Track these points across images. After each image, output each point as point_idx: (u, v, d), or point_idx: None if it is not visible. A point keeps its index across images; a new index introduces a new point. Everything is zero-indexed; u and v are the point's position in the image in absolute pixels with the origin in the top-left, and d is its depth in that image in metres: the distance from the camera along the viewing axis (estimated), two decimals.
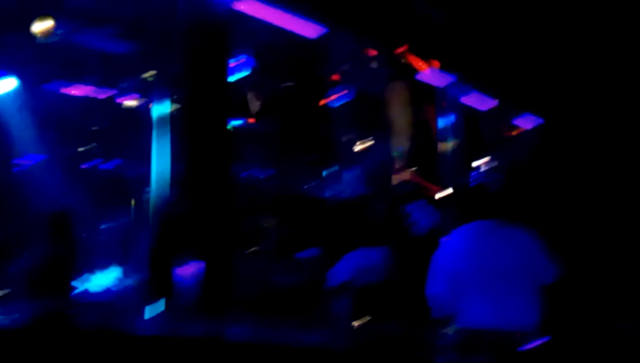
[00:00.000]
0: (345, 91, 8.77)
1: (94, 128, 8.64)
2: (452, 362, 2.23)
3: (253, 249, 6.32)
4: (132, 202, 8.14)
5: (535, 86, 8.35)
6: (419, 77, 8.19)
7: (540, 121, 9.29)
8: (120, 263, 6.40)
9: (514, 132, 9.62)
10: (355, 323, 3.99)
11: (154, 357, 2.46)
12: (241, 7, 5.68)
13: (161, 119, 8.15)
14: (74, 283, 5.31)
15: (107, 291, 5.63)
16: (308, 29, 6.61)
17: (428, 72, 8.13)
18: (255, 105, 8.80)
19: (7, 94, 7.59)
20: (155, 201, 6.18)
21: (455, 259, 3.55)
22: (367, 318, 4.10)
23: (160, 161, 7.88)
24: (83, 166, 8.94)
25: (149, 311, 3.17)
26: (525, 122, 9.70)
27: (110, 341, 2.59)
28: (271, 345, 2.45)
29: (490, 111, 8.97)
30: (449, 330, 3.25)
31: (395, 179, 8.01)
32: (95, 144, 8.96)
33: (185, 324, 2.94)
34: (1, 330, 2.56)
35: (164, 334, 2.65)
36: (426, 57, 7.99)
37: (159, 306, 3.24)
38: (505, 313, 3.29)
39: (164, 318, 3.09)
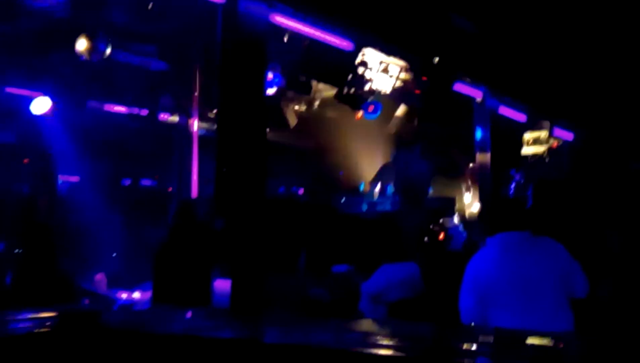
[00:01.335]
0: (379, 105, 8.76)
1: (132, 145, 8.78)
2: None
3: (288, 263, 6.32)
4: (170, 217, 8.24)
5: (572, 98, 8.22)
6: (455, 89, 8.14)
7: (577, 133, 9.13)
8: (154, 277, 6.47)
9: (553, 144, 9.48)
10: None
11: (188, 357, 2.47)
12: (277, 20, 5.73)
13: (198, 135, 8.28)
14: (110, 296, 5.41)
15: (142, 303, 5.70)
16: (343, 42, 6.63)
17: (464, 85, 8.07)
18: (292, 119, 8.84)
19: (45, 113, 7.74)
20: (194, 216, 6.23)
21: (486, 270, 3.51)
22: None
23: (197, 176, 7.99)
24: (122, 183, 9.11)
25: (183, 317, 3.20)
26: (564, 134, 9.55)
27: (143, 340, 2.60)
28: (309, 347, 2.43)
29: (529, 121, 8.85)
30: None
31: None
32: (133, 161, 9.11)
33: (220, 327, 2.95)
34: (26, 334, 2.58)
35: (199, 335, 2.65)
36: (461, 69, 7.93)
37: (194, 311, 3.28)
38: (536, 325, 3.23)
39: (199, 322, 3.11)
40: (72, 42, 6.78)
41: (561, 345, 2.47)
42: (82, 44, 6.82)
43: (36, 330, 2.55)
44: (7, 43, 6.59)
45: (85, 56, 6.87)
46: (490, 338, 2.83)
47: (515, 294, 3.37)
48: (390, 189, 9.11)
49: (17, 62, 7.04)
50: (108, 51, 6.93)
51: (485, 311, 3.42)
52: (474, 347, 2.54)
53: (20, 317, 2.76)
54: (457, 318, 3.60)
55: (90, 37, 6.81)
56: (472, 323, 3.46)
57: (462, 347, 2.52)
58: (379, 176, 9.61)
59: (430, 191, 8.86)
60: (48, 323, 2.67)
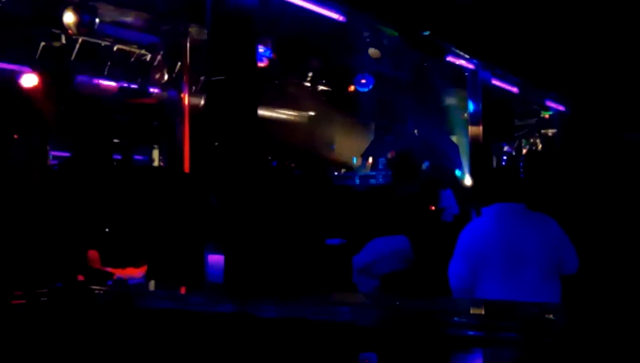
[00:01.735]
0: (372, 77, 8.72)
1: (123, 120, 8.73)
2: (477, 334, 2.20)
3: (282, 235, 6.34)
4: (162, 192, 8.22)
5: (564, 70, 8.20)
6: (448, 59, 8.09)
7: (569, 104, 9.13)
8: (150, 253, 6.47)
9: (545, 116, 9.49)
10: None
11: (182, 332, 2.47)
12: None
13: (190, 109, 8.23)
14: (104, 272, 5.39)
15: (135, 279, 5.70)
16: (333, 14, 6.57)
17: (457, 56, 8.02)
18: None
19: (34, 88, 7.64)
20: (186, 191, 6.22)
21: (479, 239, 3.53)
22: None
23: (190, 151, 7.96)
24: (114, 158, 9.05)
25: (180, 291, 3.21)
26: (556, 106, 9.55)
27: (137, 316, 2.60)
28: (302, 321, 2.44)
29: (521, 93, 8.84)
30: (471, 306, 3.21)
31: None
32: (125, 136, 9.07)
33: (214, 303, 2.96)
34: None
35: (193, 310, 2.65)
36: (455, 40, 7.87)
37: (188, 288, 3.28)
38: (523, 296, 3.25)
39: (194, 297, 3.11)
40: (60, 16, 6.69)
41: (548, 316, 2.49)
42: (69, 18, 6.72)
43: (30, 305, 2.55)
44: None
45: (73, 30, 6.77)
46: (480, 310, 2.85)
47: (504, 264, 3.41)
48: (383, 162, 9.11)
49: (5, 36, 6.94)
50: (96, 24, 6.83)
51: (475, 279, 3.45)
52: (462, 319, 2.56)
53: (13, 293, 2.76)
54: (448, 289, 3.62)
55: (77, 11, 6.71)
56: (462, 291, 3.48)
57: (451, 318, 2.54)
58: (371, 149, 9.60)
59: (423, 164, 8.87)
60: (42, 299, 2.67)
